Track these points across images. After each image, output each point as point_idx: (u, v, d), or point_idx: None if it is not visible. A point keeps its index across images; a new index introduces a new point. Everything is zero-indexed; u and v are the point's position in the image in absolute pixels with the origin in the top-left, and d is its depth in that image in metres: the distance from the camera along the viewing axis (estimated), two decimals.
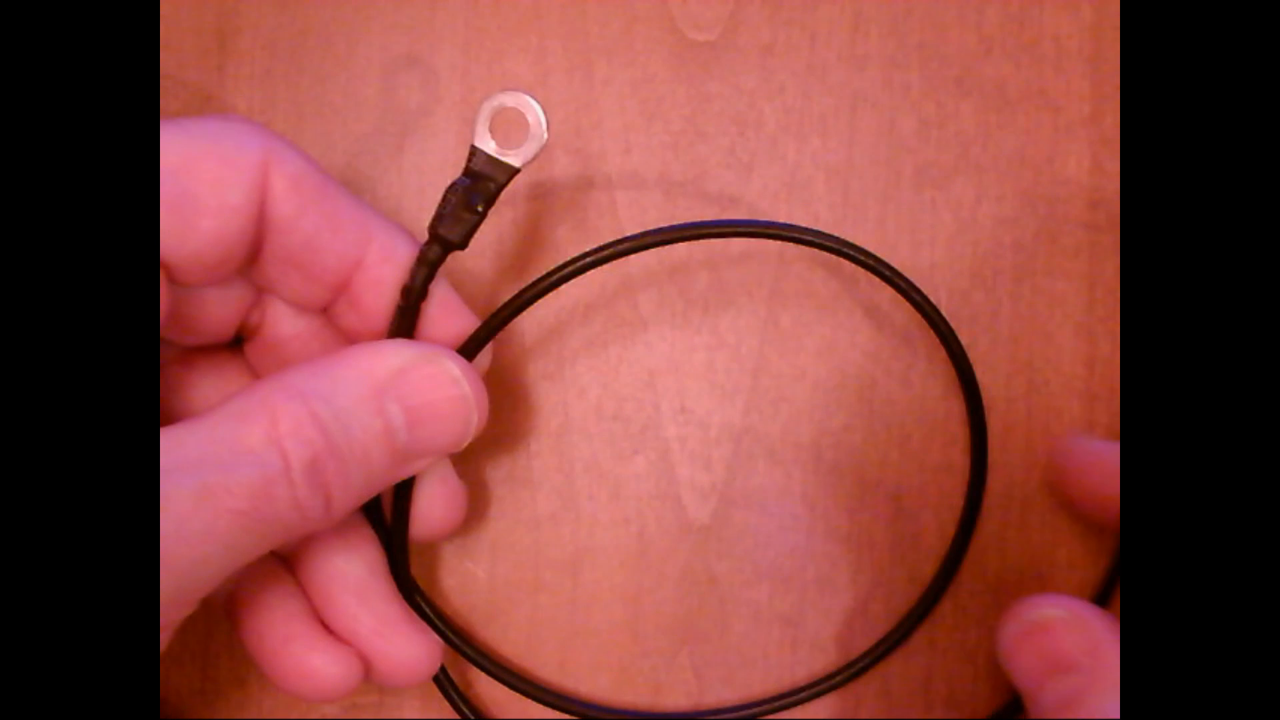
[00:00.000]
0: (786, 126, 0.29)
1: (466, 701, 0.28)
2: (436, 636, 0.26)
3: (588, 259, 0.24)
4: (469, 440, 0.23)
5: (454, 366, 0.23)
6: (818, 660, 0.28)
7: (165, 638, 0.21)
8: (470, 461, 0.29)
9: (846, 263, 0.29)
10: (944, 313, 0.27)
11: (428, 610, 0.26)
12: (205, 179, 0.21)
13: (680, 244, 0.28)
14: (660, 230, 0.24)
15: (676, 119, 0.29)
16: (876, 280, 0.27)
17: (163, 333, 0.23)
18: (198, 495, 0.20)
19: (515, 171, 0.23)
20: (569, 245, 0.29)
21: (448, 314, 0.24)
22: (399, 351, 0.23)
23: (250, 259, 0.23)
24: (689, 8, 0.29)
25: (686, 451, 0.29)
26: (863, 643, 0.28)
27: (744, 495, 0.29)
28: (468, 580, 0.29)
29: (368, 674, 0.25)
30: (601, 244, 0.24)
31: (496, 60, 0.29)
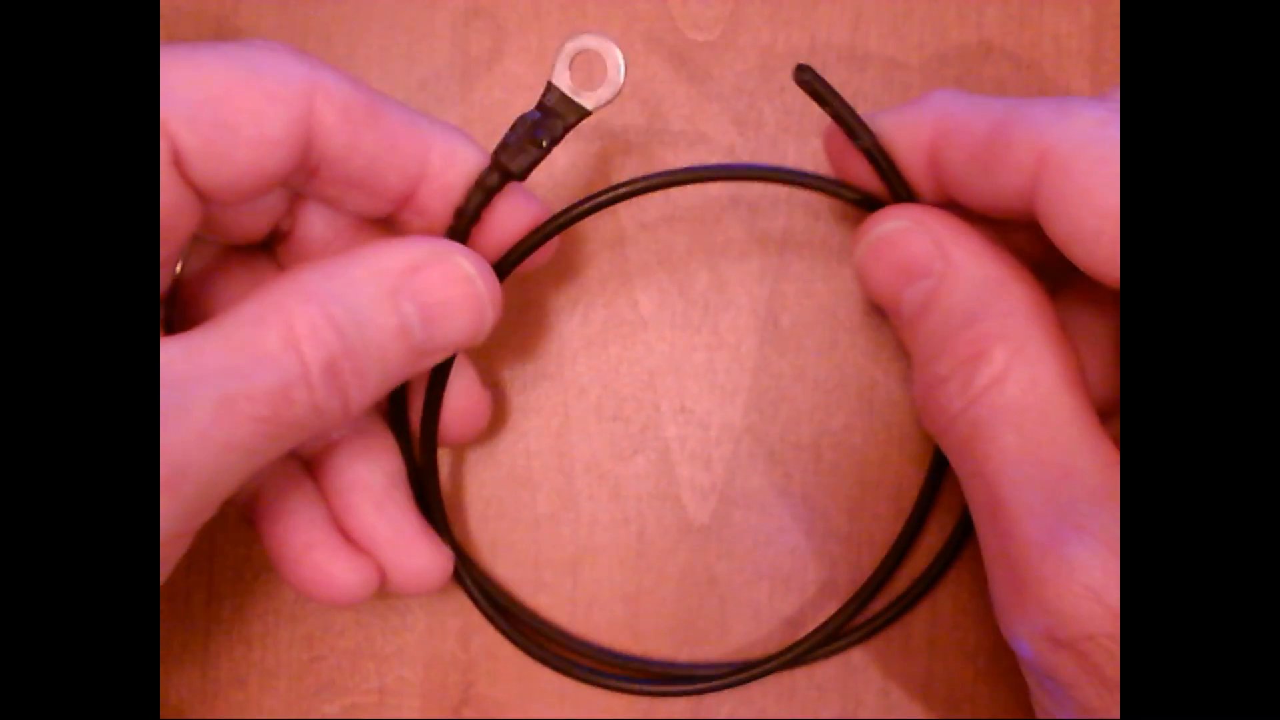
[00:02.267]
0: (786, 126, 0.29)
1: (486, 594, 0.28)
2: (449, 549, 0.26)
3: (606, 195, 0.24)
4: (484, 335, 0.24)
5: (467, 263, 0.23)
6: (818, 661, 0.28)
7: (185, 544, 0.22)
8: (471, 462, 0.29)
9: (847, 258, 0.29)
10: None
11: (441, 524, 0.27)
12: (245, 110, 0.21)
13: (680, 239, 0.29)
14: (682, 170, 0.25)
15: (676, 119, 0.29)
16: None
17: (199, 227, 0.23)
18: (218, 405, 0.20)
19: (586, 113, 0.23)
20: (570, 243, 0.29)
21: (518, 208, 0.25)
22: (412, 249, 0.23)
23: (294, 180, 0.23)
24: (689, 8, 0.29)
25: (686, 451, 0.29)
26: (863, 643, 0.28)
27: (744, 495, 0.29)
28: None
29: (383, 583, 0.25)
30: (631, 178, 0.24)
31: (496, 60, 0.29)
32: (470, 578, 0.27)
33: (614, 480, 0.29)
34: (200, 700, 0.29)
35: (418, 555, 0.25)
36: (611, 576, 0.29)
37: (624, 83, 0.23)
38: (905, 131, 0.23)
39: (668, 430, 0.29)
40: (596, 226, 0.29)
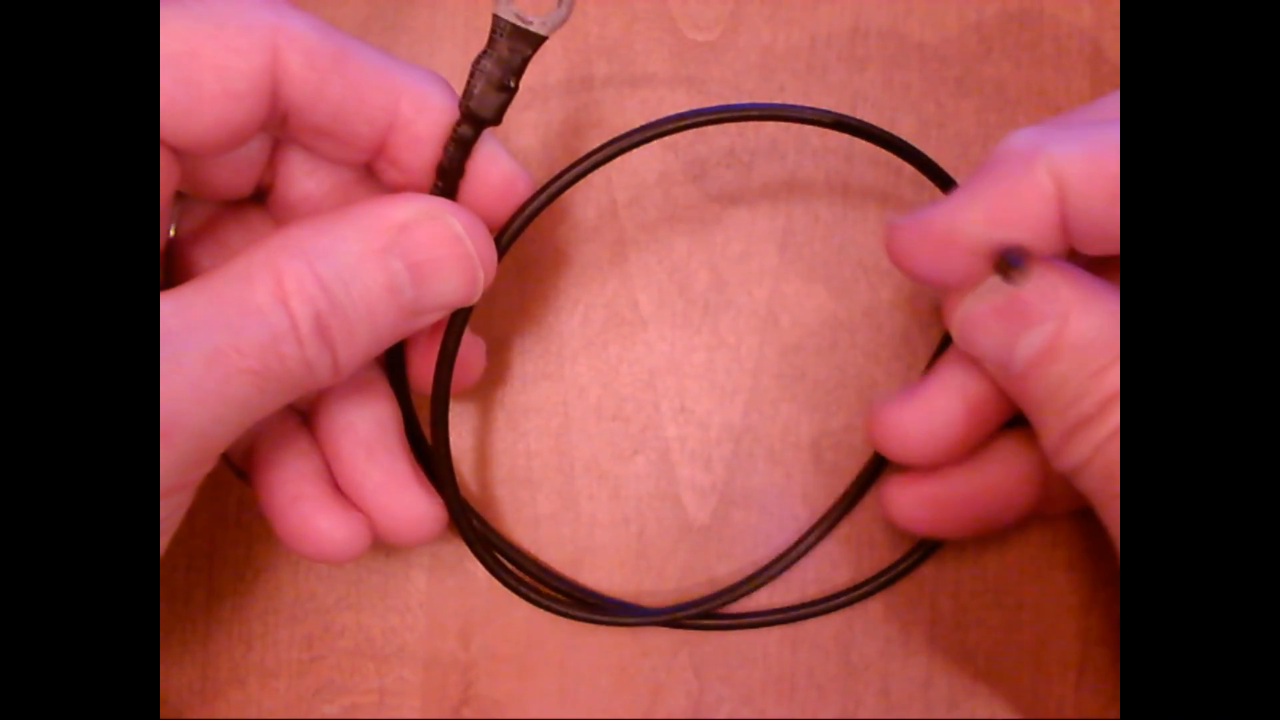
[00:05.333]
0: (786, 126, 0.29)
1: (492, 546, 0.27)
2: (440, 499, 0.26)
3: (620, 143, 0.24)
4: (478, 294, 0.23)
5: (456, 222, 0.23)
6: (818, 660, 0.28)
7: (186, 499, 0.22)
8: (471, 461, 0.29)
9: (847, 258, 0.29)
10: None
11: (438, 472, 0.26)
12: (208, 65, 0.21)
13: (680, 239, 0.29)
14: (690, 113, 0.24)
15: None
16: (877, 278, 0.27)
17: (180, 189, 0.23)
18: (209, 357, 0.20)
19: (542, 40, 0.22)
20: (571, 245, 0.29)
21: (492, 163, 0.24)
22: (402, 207, 0.22)
23: (266, 128, 0.23)
24: (689, 8, 0.29)
25: (686, 451, 0.29)
26: (863, 643, 0.28)
27: (744, 495, 0.29)
28: (468, 580, 0.29)
29: (375, 536, 0.25)
30: (636, 127, 0.23)
31: None
32: (469, 527, 0.27)
33: (614, 480, 0.29)
34: (200, 700, 0.29)
35: (408, 502, 0.25)
36: (611, 576, 0.29)
37: None
38: (1034, 206, 0.22)
39: (668, 430, 0.29)
40: (597, 227, 0.29)
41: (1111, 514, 0.22)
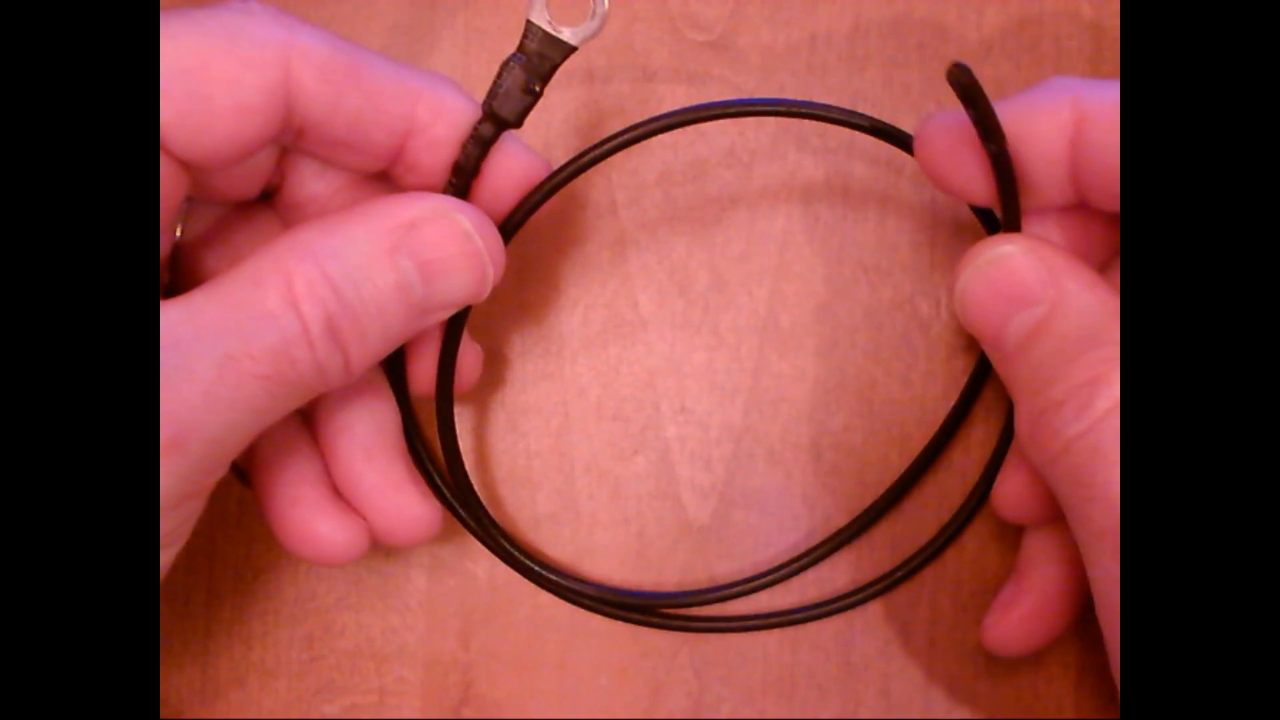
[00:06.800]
0: (786, 126, 0.29)
1: (503, 535, 0.27)
2: (436, 501, 0.26)
3: (627, 134, 0.24)
4: (486, 292, 0.23)
5: (465, 220, 0.23)
6: (818, 660, 0.28)
7: (198, 506, 0.22)
8: (471, 462, 0.29)
9: (847, 258, 0.29)
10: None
11: (435, 475, 0.27)
12: (219, 79, 0.21)
13: (680, 239, 0.29)
14: (694, 108, 0.24)
15: None
16: (877, 278, 0.27)
17: (188, 194, 0.23)
18: (221, 363, 0.20)
19: (572, 49, 0.23)
20: (570, 245, 0.29)
21: (514, 157, 0.24)
22: (410, 206, 0.22)
23: (279, 141, 0.23)
24: (689, 8, 0.29)
25: (686, 451, 0.29)
26: (863, 643, 0.28)
27: (744, 495, 0.29)
28: (468, 580, 0.29)
29: (373, 539, 0.25)
30: (638, 121, 0.24)
31: (497, 60, 0.29)
32: (479, 522, 0.27)
33: (614, 480, 0.29)
34: (200, 700, 0.29)
35: (403, 504, 0.25)
36: (611, 576, 0.29)
37: (609, 10, 0.22)
38: (1044, 122, 0.22)
39: (668, 430, 0.29)
40: (597, 226, 0.29)
41: (1073, 509, 0.22)
